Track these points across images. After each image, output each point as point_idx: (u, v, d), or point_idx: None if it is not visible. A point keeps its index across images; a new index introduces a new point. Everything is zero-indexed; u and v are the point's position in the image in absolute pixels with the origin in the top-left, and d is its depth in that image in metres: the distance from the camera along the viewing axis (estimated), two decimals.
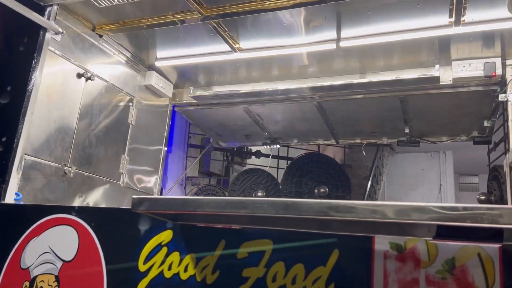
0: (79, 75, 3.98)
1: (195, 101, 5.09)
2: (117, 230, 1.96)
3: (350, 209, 1.33)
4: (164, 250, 1.80)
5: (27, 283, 1.99)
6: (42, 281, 1.95)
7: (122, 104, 4.50)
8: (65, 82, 3.81)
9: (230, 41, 4.02)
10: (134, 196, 1.61)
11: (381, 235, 1.52)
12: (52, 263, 1.97)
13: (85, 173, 4.02)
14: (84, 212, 2.02)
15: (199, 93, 5.00)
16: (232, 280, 1.67)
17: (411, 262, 1.48)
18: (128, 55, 4.56)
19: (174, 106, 5.29)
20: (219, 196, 9.22)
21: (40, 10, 2.59)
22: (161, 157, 5.05)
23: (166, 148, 5.09)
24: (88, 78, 4.05)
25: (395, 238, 1.51)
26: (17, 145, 2.40)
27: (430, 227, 1.43)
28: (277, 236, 1.65)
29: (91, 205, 4.01)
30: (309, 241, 1.60)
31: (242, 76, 4.72)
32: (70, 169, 3.83)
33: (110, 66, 4.37)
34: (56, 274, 1.95)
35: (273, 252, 1.65)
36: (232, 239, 1.71)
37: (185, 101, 5.19)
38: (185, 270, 1.74)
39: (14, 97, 2.43)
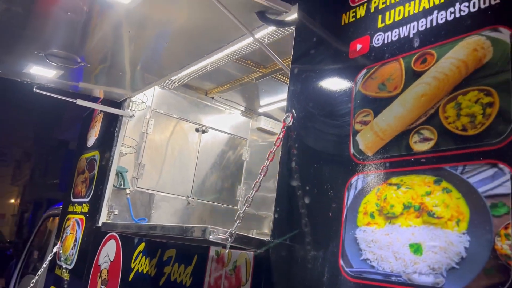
0: (197, 130, 5.42)
1: None
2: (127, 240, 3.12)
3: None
4: (140, 255, 2.86)
5: (99, 274, 3.36)
6: (103, 271, 3.27)
7: (235, 145, 5.73)
8: (185, 137, 5.29)
9: None
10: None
11: (211, 246, 2.20)
12: (107, 262, 3.27)
13: (206, 202, 5.37)
14: (112, 227, 3.28)
15: None
16: (159, 274, 2.60)
17: (221, 263, 2.12)
18: (237, 106, 5.79)
19: None
20: None
21: (118, 105, 4.09)
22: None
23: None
24: (203, 131, 5.45)
25: (217, 248, 2.17)
26: (105, 190, 3.84)
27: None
28: (178, 248, 2.51)
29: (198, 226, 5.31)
30: (185, 251, 2.40)
31: None
32: (193, 199, 5.25)
33: (222, 118, 5.68)
34: (108, 268, 3.24)
35: (175, 257, 2.51)
36: (162, 249, 2.64)
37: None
38: (146, 267, 2.76)
39: (108, 156, 3.94)
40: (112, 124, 4.01)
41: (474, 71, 1.33)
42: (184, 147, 5.24)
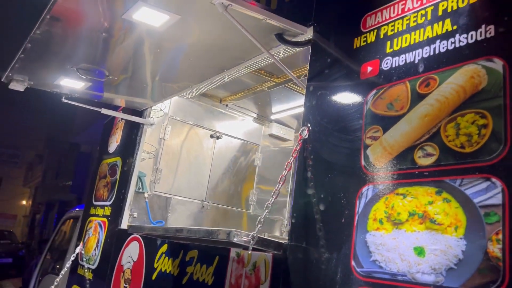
0: (211, 136, 5.63)
1: None
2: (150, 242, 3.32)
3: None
4: (163, 255, 3.07)
5: (122, 273, 3.57)
6: (126, 271, 3.48)
7: (248, 151, 5.93)
8: (200, 142, 5.50)
9: None
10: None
11: (232, 248, 2.40)
12: (130, 262, 3.48)
13: (220, 206, 5.57)
14: (138, 229, 3.49)
15: None
16: (182, 273, 2.80)
17: (241, 264, 2.31)
18: (250, 113, 5.99)
19: None
20: None
21: (140, 113, 4.31)
22: (289, 188, 6.19)
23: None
24: (217, 137, 5.66)
25: (237, 250, 2.37)
26: (127, 194, 4.06)
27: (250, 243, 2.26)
28: (200, 249, 2.71)
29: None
30: (207, 252, 2.60)
31: None
32: (207, 203, 5.45)
33: (236, 124, 5.89)
34: (131, 268, 3.45)
35: (197, 257, 2.71)
36: (184, 250, 2.84)
37: None
38: (169, 267, 2.97)
39: (130, 162, 4.16)
40: (133, 132, 4.23)
41: (471, 96, 1.52)
42: (199, 152, 5.45)
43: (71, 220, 6.08)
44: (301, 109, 5.26)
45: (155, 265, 3.12)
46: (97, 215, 4.41)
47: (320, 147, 2.09)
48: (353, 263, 1.72)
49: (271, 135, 6.08)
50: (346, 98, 2.02)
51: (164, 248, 3.09)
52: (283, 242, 2.11)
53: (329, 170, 2.00)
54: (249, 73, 4.51)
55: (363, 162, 1.83)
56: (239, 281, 2.29)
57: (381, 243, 1.65)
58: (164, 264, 3.01)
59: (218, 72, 3.10)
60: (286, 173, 2.17)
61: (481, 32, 1.54)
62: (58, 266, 5.76)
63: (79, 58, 2.89)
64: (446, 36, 1.66)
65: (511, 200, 1.33)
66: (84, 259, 4.38)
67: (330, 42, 2.22)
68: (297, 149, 2.17)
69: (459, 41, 1.60)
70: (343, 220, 1.83)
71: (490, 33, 1.52)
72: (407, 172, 1.64)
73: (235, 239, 1.94)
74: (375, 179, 1.75)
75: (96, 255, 4.10)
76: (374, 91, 1.88)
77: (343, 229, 1.82)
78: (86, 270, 4.25)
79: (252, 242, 1.94)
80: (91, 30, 2.45)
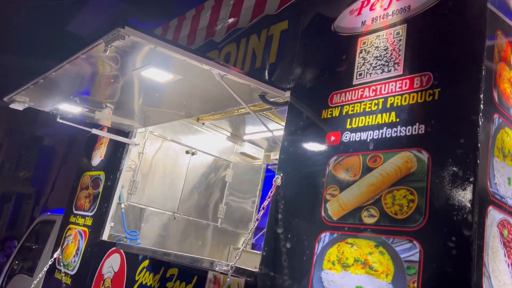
0: (187, 152, 6.03)
1: None
2: (132, 256, 3.71)
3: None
4: (144, 269, 3.48)
5: (102, 281, 3.94)
6: (107, 280, 3.86)
7: (220, 167, 6.36)
8: (176, 158, 5.89)
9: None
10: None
11: (210, 270, 2.86)
12: (111, 272, 3.86)
13: (190, 218, 5.98)
14: (121, 246, 3.88)
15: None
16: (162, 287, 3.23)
17: (217, 285, 2.78)
18: (226, 133, 6.43)
19: (268, 165, 6.88)
20: None
21: (126, 134, 4.71)
22: (255, 204, 6.67)
23: (260, 196, 6.68)
24: (193, 153, 6.07)
25: (215, 273, 2.83)
26: (110, 208, 4.42)
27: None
28: (180, 268, 3.14)
29: (193, 241, 5.91)
30: (186, 271, 3.05)
31: None
32: (179, 215, 5.85)
33: (210, 142, 6.31)
34: (111, 277, 3.83)
35: (177, 275, 3.14)
36: (165, 267, 3.27)
37: (274, 162, 6.72)
38: (149, 280, 3.38)
39: (114, 178, 4.55)
40: (118, 150, 4.60)
41: (405, 176, 2.05)
42: (174, 167, 5.83)
43: (41, 223, 6.32)
44: (272, 133, 5.74)
45: (136, 278, 3.52)
46: (78, 224, 4.73)
47: (289, 195, 2.59)
48: None
49: (243, 153, 6.55)
50: (313, 158, 2.53)
51: (146, 263, 3.50)
52: (254, 270, 2.59)
53: (296, 215, 2.49)
54: None
55: (323, 213, 2.33)
56: None
57: (332, 280, 2.15)
58: (145, 277, 3.42)
59: (206, 112, 3.55)
60: (260, 213, 2.64)
61: (415, 128, 2.08)
62: (27, 267, 6.00)
63: (84, 92, 3.24)
64: (391, 125, 2.18)
65: (425, 259, 1.86)
66: (62, 264, 4.69)
67: (303, 108, 2.72)
68: (271, 194, 2.65)
69: (400, 131, 2.14)
70: (304, 258, 2.32)
71: (421, 130, 2.05)
72: (355, 227, 2.15)
73: (217, 268, 2.40)
74: (331, 228, 2.26)
75: (76, 261, 4.43)
76: (335, 157, 2.39)
77: (304, 265, 2.31)
78: (63, 275, 4.57)
79: (230, 271, 2.40)
80: (101, 77, 2.83)
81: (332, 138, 2.44)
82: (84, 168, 5.21)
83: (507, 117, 2.09)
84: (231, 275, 2.54)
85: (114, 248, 3.96)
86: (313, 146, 2.54)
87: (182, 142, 5.88)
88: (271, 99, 2.94)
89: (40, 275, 4.76)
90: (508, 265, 1.96)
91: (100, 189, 4.61)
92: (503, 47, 2.12)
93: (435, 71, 2.10)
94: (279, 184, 2.66)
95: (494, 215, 1.89)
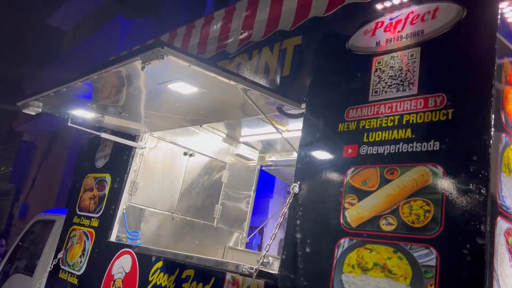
0: (185, 153, 6.15)
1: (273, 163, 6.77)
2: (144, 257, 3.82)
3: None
4: (158, 271, 3.62)
5: (112, 282, 4.06)
6: (117, 280, 3.98)
7: (216, 168, 6.51)
8: (174, 159, 6.01)
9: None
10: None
11: (227, 272, 3.03)
12: (121, 273, 3.98)
13: (188, 218, 6.12)
14: (131, 247, 4.00)
15: (274, 158, 6.67)
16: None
17: (236, 286, 2.95)
18: (222, 135, 6.57)
19: (261, 166, 7.06)
20: None
21: (133, 138, 4.81)
22: (250, 204, 6.85)
23: (254, 196, 6.86)
24: (190, 155, 6.20)
25: (233, 274, 3.00)
26: (117, 210, 4.53)
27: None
28: (197, 269, 3.30)
29: (190, 240, 6.04)
30: (204, 272, 3.20)
31: None
32: (176, 215, 5.97)
33: (207, 143, 6.44)
34: (122, 278, 3.95)
35: (194, 276, 3.29)
36: (180, 269, 3.41)
37: (268, 163, 6.91)
38: (164, 281, 3.52)
39: (120, 181, 4.64)
40: (124, 153, 4.70)
41: (421, 188, 2.26)
42: (173, 168, 5.95)
43: (39, 222, 6.35)
44: (267, 136, 5.92)
45: (150, 278, 3.66)
46: (83, 225, 4.81)
47: (307, 202, 2.77)
48: None
49: (238, 155, 6.71)
50: (330, 168, 2.72)
51: (159, 264, 3.64)
52: (274, 273, 2.77)
53: (314, 221, 2.68)
54: None
55: (341, 220, 2.53)
56: None
57: (353, 282, 2.35)
58: (159, 278, 3.56)
59: (221, 120, 3.71)
60: (281, 220, 2.82)
61: (430, 145, 2.29)
62: (25, 267, 6.04)
63: (102, 101, 3.35)
64: (407, 141, 2.39)
65: (441, 264, 2.08)
66: (66, 264, 4.77)
67: (319, 120, 2.91)
68: (290, 201, 2.83)
69: (416, 147, 2.35)
70: (324, 262, 2.52)
71: (436, 147, 2.27)
72: (374, 234, 2.36)
73: (243, 270, 2.57)
74: (350, 234, 2.46)
75: (82, 262, 4.52)
76: (352, 168, 2.59)
77: (324, 268, 2.51)
78: (69, 275, 4.65)
79: (254, 274, 2.58)
80: (127, 88, 2.95)
81: (349, 150, 2.63)
82: (87, 169, 5.29)
83: None
84: (248, 275, 2.71)
85: (124, 249, 4.08)
86: (330, 157, 2.73)
87: (180, 143, 6.00)
88: (288, 111, 3.11)
89: (42, 275, 4.83)
90: None
91: (106, 191, 4.71)
92: (509, 72, 2.35)
93: (448, 92, 2.32)
94: (297, 191, 2.84)
95: (501, 225, 2.13)
